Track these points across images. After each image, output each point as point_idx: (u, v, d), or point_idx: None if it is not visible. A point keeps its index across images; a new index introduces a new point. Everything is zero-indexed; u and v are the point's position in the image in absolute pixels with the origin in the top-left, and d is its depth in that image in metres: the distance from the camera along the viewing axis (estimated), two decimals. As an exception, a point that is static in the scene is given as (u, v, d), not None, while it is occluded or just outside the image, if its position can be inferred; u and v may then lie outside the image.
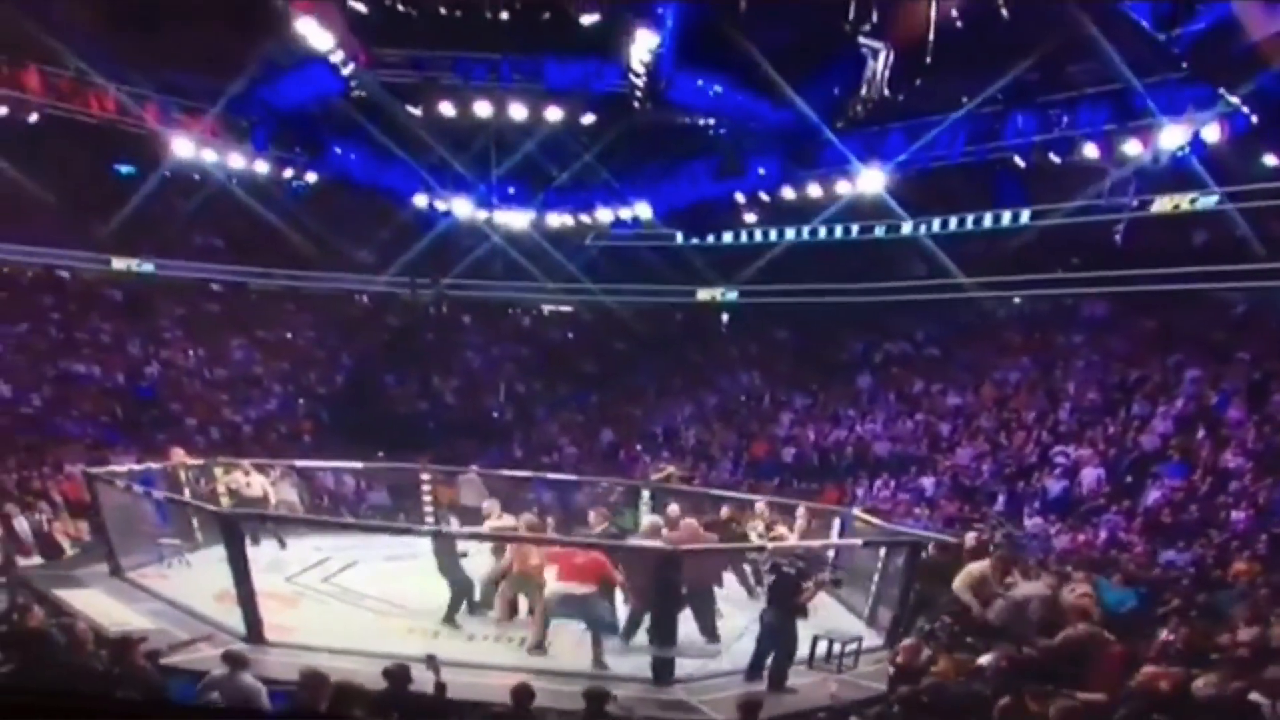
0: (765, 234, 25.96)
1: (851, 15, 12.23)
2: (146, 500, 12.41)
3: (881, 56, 13.01)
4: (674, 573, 9.20)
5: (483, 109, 18.64)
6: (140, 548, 12.29)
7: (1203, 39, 11.56)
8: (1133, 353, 20.65)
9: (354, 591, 11.83)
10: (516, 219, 23.97)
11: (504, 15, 15.54)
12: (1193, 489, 15.42)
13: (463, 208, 23.68)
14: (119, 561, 11.76)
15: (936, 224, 23.44)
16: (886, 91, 13.18)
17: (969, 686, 7.81)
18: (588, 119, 18.97)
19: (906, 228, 23.66)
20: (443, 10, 15.71)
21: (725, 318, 29.74)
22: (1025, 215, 21.80)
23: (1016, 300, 24.41)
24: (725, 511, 12.30)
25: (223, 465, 14.55)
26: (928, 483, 18.86)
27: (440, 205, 23.90)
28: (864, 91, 13.95)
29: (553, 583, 9.67)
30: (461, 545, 11.02)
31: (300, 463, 15.55)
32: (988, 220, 22.50)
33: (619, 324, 29.26)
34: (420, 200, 23.82)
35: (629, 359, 29.04)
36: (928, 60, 12.21)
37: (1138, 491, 16.06)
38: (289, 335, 29.61)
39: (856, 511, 13.93)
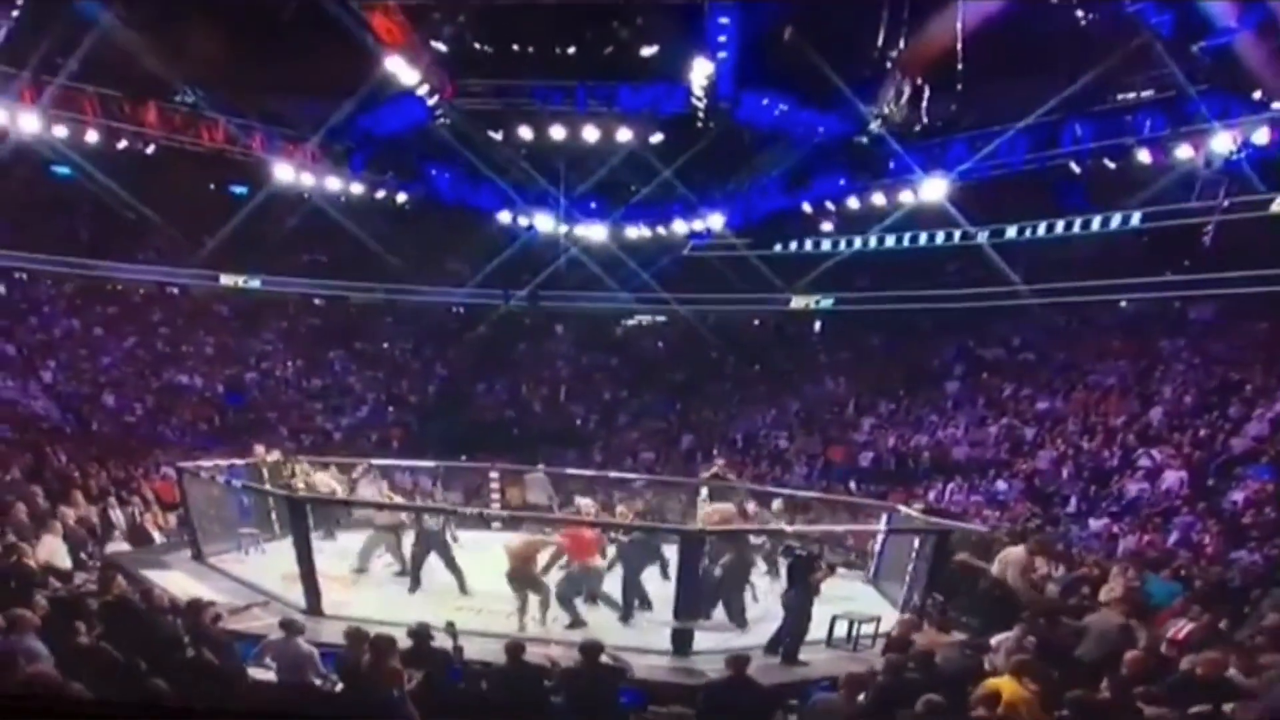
0: (864, 242, 26.71)
1: (880, 40, 13.07)
2: (229, 492, 13.96)
3: (902, 83, 13.85)
4: (698, 550, 10.19)
5: (558, 133, 20.24)
6: (222, 536, 13.81)
7: (1224, 51, 11.98)
8: (1237, 356, 20.48)
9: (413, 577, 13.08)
10: (596, 232, 25.46)
11: (571, 50, 17.21)
12: (1278, 490, 15.45)
13: (544, 223, 25.33)
14: (201, 548, 13.30)
15: (1042, 228, 23.82)
16: (907, 113, 14.02)
17: (957, 658, 8.46)
18: (657, 138, 20.41)
19: (1010, 232, 24.17)
20: (515, 46, 17.42)
21: (818, 325, 30.48)
22: (1136, 218, 22.01)
23: (1123, 304, 24.40)
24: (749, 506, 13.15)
25: (302, 462, 16.04)
26: (1001, 486, 19.22)
27: (523, 221, 25.53)
28: (886, 110, 14.77)
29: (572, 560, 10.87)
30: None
31: (375, 461, 16.94)
32: (1095, 224, 22.79)
33: (708, 334, 30.40)
34: (504, 217, 25.46)
35: (715, 367, 30.06)
36: (955, 84, 12.92)
37: (1220, 494, 16.13)
38: (385, 346, 31.75)
39: (903, 508, 14.55)
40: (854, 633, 10.47)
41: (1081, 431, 19.99)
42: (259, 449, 15.74)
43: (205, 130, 21.76)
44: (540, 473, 17.46)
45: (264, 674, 8.53)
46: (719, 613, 10.93)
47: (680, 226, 24.46)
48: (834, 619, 10.68)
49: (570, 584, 10.88)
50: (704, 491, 15.21)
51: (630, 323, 33.06)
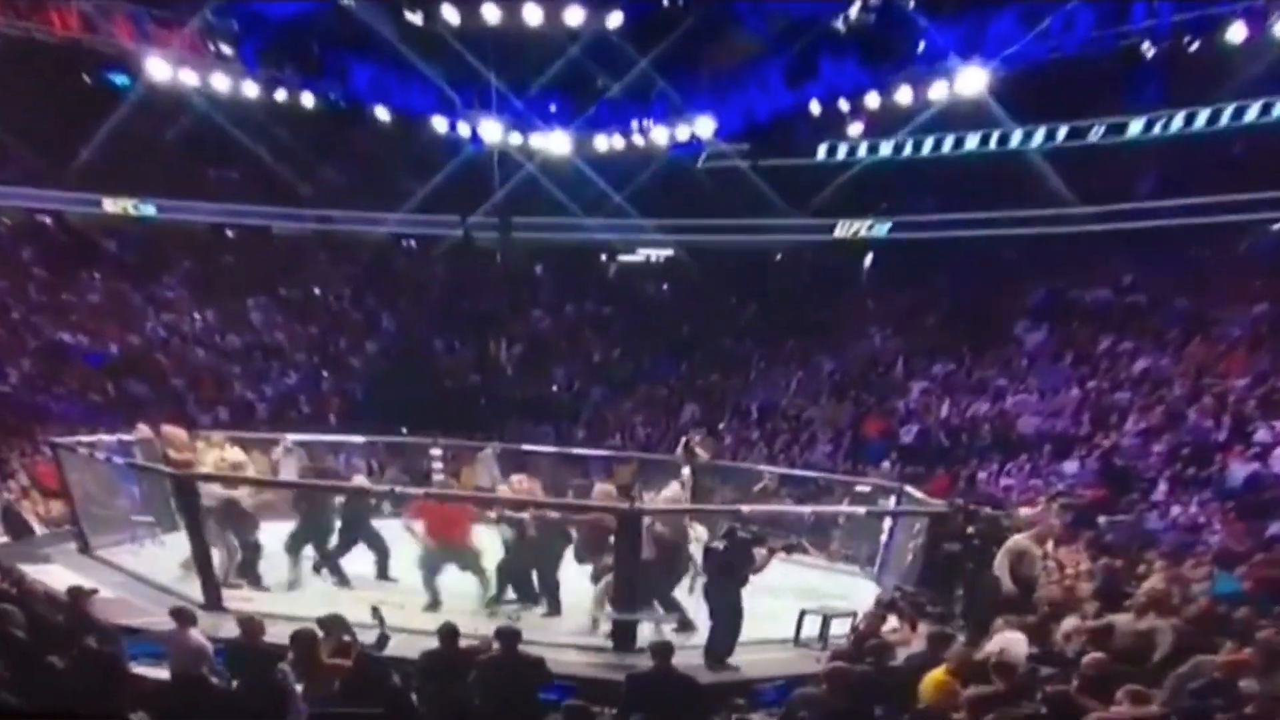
0: (916, 147, 28.01)
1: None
2: (117, 475, 15.82)
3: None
4: (632, 534, 11.96)
5: (491, 12, 21.34)
6: (112, 526, 15.74)
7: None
8: None
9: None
10: (557, 142, 26.96)
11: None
12: None
13: (491, 131, 26.74)
14: (88, 539, 15.24)
15: (1180, 119, 24.77)
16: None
17: (918, 657, 10.26)
18: (615, 20, 21.58)
19: (1134, 127, 25.20)
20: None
21: (868, 260, 31.87)
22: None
23: (1277, 227, 24.85)
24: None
25: (212, 437, 17.86)
26: (1070, 466, 20.67)
27: (464, 129, 26.90)
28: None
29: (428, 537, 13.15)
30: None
31: (292, 436, 18.74)
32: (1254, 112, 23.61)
33: (726, 274, 32.06)
34: (439, 123, 26.81)
35: (731, 318, 31.78)
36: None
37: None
38: (317, 292, 33.43)
39: (913, 491, 16.31)
40: (826, 630, 12.25)
41: (1189, 397, 21.00)
42: (142, 428, 17.44)
43: (56, 15, 22.65)
44: (489, 451, 19.27)
45: (155, 672, 10.34)
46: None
47: (662, 134, 25.87)
48: (803, 613, 12.52)
49: (425, 562, 12.98)
50: (685, 472, 17.04)
51: (628, 260, 34.82)
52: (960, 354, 26.47)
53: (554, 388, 31.17)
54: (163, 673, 10.29)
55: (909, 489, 17.07)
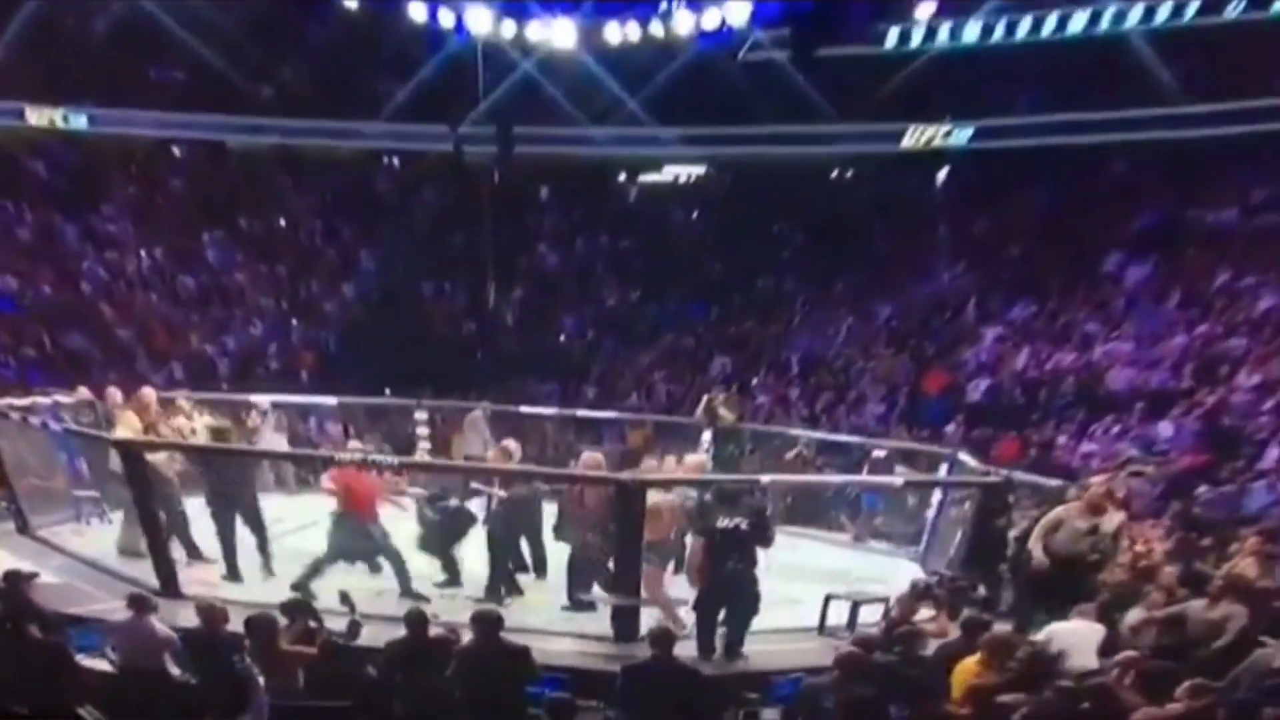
0: (1009, 29, 27.78)
1: None
2: (57, 445, 16.90)
3: None
4: (634, 510, 12.99)
5: None
6: (54, 503, 16.81)
7: None
8: None
9: (306, 552, 15.95)
10: (560, 32, 27.52)
11: None
12: None
13: (479, 19, 27.44)
14: (26, 518, 16.31)
15: None
16: None
17: (951, 646, 11.34)
18: None
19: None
20: None
21: (941, 175, 32.37)
22: None
23: None
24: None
25: (177, 400, 18.66)
26: (1166, 429, 21.43)
27: (447, 19, 27.69)
28: None
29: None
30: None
31: (263, 397, 19.88)
32: None
33: (767, 197, 32.51)
34: (416, 10, 27.69)
35: (773, 252, 32.59)
36: None
37: None
38: (284, 223, 34.48)
39: (967, 457, 17.34)
40: (855, 617, 13.38)
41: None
42: (83, 391, 18.55)
43: None
44: (478, 413, 20.39)
45: (103, 664, 11.35)
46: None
47: (687, 20, 26.29)
48: (828, 599, 13.63)
49: (334, 538, 14.27)
50: (706, 437, 18.12)
51: (650, 181, 35.51)
52: (1045, 293, 27.05)
53: (561, 338, 32.33)
54: (109, 664, 11.25)
55: (963, 456, 18.01)
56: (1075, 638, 11.48)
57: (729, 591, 12.84)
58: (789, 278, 31.99)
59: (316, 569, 14.19)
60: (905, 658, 11.08)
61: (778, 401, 27.21)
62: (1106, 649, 11.54)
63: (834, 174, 33.87)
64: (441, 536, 14.97)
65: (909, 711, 10.28)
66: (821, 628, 13.66)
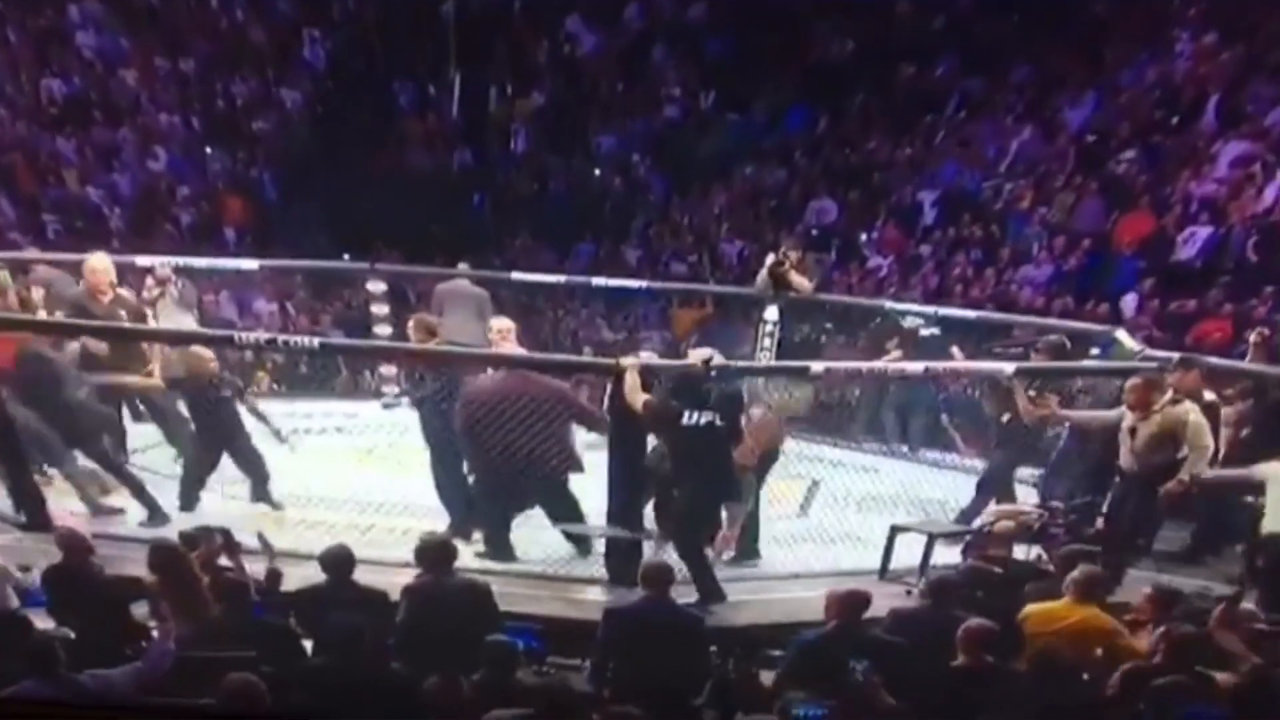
0: None
1: None
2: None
3: None
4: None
5: None
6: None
7: None
8: None
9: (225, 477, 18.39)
10: None
11: None
12: None
13: None
14: None
15: None
16: None
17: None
18: None
19: None
20: None
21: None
22: None
23: None
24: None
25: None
26: None
27: None
28: None
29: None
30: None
31: (154, 260, 21.85)
32: None
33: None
34: None
35: (919, 25, 33.48)
36: None
37: None
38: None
39: (1124, 335, 19.48)
40: (928, 556, 15.64)
41: None
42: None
43: None
44: (461, 284, 22.70)
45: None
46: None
47: None
48: (894, 531, 15.84)
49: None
50: (769, 313, 20.63)
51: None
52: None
53: (596, 171, 34.01)
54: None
55: (1120, 334, 19.90)
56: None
57: (704, 511, 15.36)
58: (938, 64, 32.89)
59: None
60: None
61: (899, 262, 28.94)
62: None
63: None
64: None
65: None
66: (884, 570, 15.71)
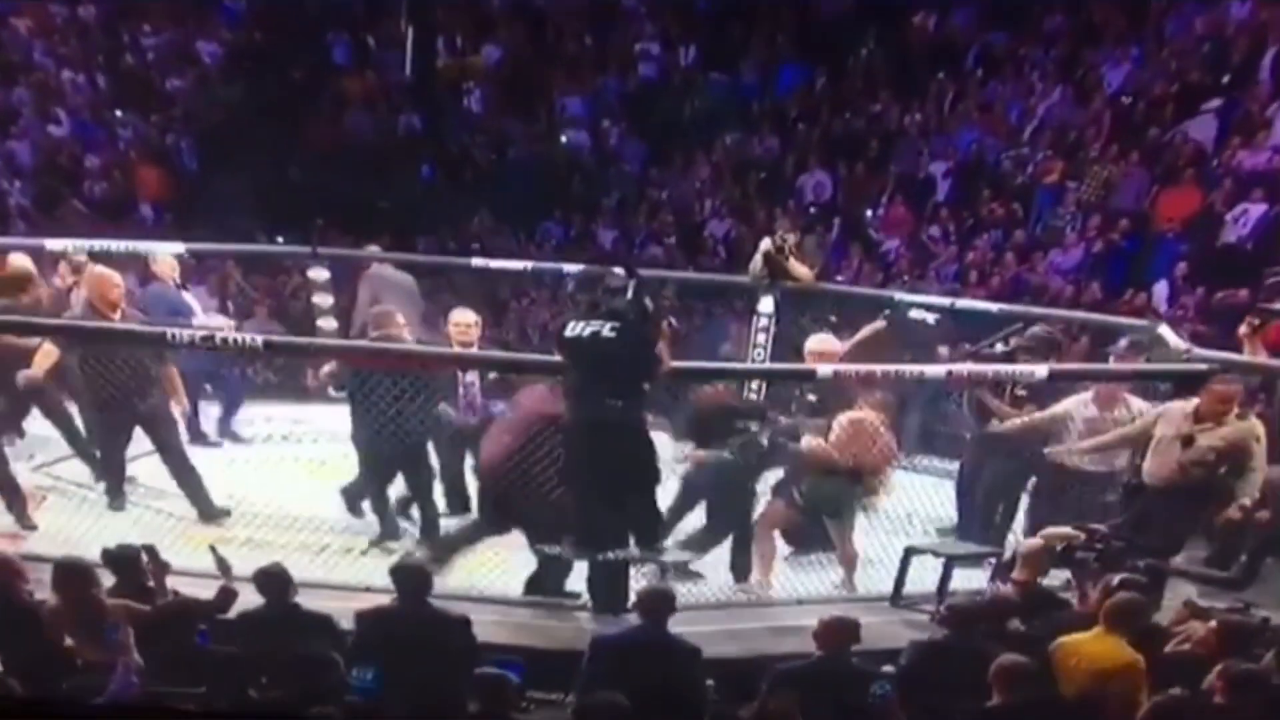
0: None
1: None
2: None
3: None
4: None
5: None
6: None
7: None
8: None
9: (152, 488, 19.00)
10: None
11: None
12: None
13: None
14: None
15: None
16: None
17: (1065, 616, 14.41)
18: None
19: None
20: None
21: None
22: None
23: None
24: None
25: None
26: None
27: None
28: None
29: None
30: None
31: (64, 244, 22.27)
32: None
33: None
34: None
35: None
36: None
37: None
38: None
39: (1168, 332, 19.53)
40: (946, 581, 16.08)
41: None
42: None
43: None
44: (390, 265, 23.29)
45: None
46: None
47: None
48: (908, 553, 16.34)
49: None
50: (765, 303, 21.32)
51: None
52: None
53: (563, 139, 34.58)
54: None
55: (1163, 330, 19.80)
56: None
57: (598, 473, 15.44)
58: (960, 10, 33.56)
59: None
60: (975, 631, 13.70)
61: (909, 244, 29.52)
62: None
63: None
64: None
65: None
66: (896, 596, 16.20)
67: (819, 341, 18.46)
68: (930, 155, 31.51)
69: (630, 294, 14.97)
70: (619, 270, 15.87)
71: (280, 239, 28.22)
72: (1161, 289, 26.03)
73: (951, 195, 30.45)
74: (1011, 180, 30.06)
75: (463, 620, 13.68)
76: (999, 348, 19.85)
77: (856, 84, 33.56)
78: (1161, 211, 27.81)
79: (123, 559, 14.05)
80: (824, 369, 17.11)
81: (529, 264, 25.47)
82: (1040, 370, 17.60)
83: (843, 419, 16.79)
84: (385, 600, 14.17)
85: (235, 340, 17.66)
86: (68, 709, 10.33)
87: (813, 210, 30.19)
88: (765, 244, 22.00)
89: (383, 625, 13.66)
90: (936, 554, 16.70)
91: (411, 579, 13.83)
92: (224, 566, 14.32)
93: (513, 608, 16.09)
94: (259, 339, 17.43)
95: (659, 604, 13.52)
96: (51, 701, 11.39)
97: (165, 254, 22.05)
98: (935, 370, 18.20)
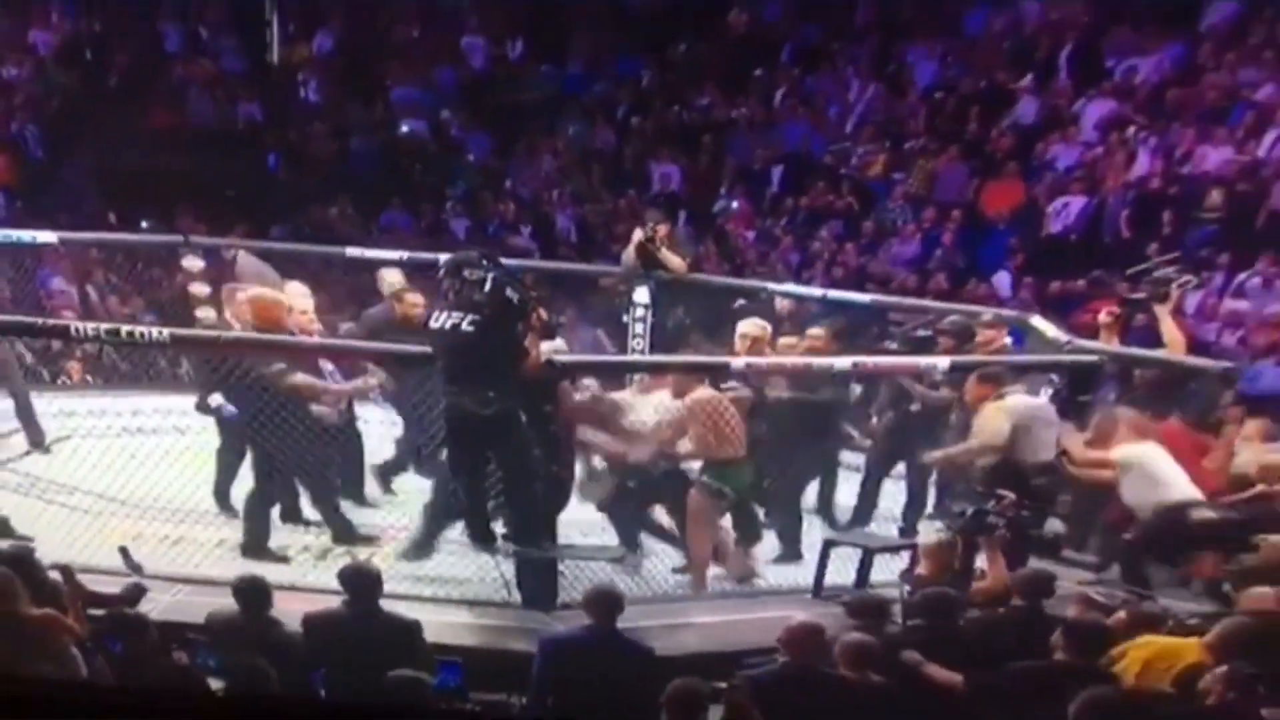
0: None
1: None
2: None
3: None
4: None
5: None
6: None
7: None
8: None
9: (52, 483, 18.68)
10: None
11: None
12: None
13: None
14: None
15: None
16: None
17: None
18: None
19: None
20: None
21: None
22: None
23: None
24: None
25: None
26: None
27: None
28: None
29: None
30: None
31: None
32: None
33: None
34: None
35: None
36: None
37: None
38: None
39: (1040, 321, 20.04)
40: (866, 571, 16.07)
41: None
42: None
43: None
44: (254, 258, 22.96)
45: None
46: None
47: None
48: (828, 545, 16.34)
49: None
50: (639, 295, 21.32)
51: None
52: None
53: (404, 127, 34.42)
54: None
55: (1038, 321, 20.32)
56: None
57: (476, 465, 15.52)
58: (772, 3, 33.78)
59: None
60: (930, 629, 13.51)
61: (751, 233, 29.84)
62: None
63: None
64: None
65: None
66: (818, 588, 16.14)
67: (751, 325, 18.39)
68: (762, 148, 31.56)
69: (490, 285, 14.85)
70: (479, 258, 15.63)
71: (145, 224, 28.07)
72: (1002, 278, 26.35)
73: (783, 187, 30.55)
74: (840, 170, 30.36)
75: (413, 624, 13.37)
76: (920, 333, 19.87)
77: (682, 78, 33.53)
78: (988, 203, 28.17)
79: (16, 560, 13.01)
80: (738, 362, 17.41)
81: (404, 254, 24.85)
82: (942, 362, 17.75)
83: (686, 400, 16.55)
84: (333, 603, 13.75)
85: (141, 334, 17.25)
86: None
87: (661, 201, 29.78)
88: (638, 234, 21.99)
89: (331, 629, 13.36)
90: (855, 545, 16.63)
91: (361, 582, 13.52)
92: (134, 566, 14.28)
93: (452, 607, 15.77)
94: (165, 332, 17.43)
95: (607, 603, 13.26)
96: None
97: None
98: (843, 362, 17.91)
